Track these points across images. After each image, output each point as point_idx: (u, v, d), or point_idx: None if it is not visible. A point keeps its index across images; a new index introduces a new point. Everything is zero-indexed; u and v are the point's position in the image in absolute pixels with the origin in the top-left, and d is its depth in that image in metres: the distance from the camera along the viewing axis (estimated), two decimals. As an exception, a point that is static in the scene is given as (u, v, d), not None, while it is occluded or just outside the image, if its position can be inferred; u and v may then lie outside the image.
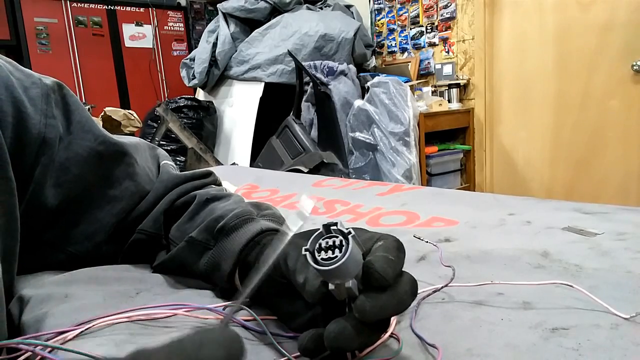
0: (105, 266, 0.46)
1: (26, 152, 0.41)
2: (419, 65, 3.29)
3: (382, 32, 3.56)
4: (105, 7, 3.98)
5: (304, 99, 2.90)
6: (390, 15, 3.47)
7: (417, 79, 3.23)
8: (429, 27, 3.22)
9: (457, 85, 3.01)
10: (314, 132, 2.85)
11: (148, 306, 0.35)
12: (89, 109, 2.74)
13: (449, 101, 3.01)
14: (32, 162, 0.41)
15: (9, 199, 0.37)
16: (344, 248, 0.26)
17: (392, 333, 0.33)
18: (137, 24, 4.17)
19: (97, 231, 0.46)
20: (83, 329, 0.32)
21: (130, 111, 2.74)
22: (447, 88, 3.03)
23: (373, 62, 3.60)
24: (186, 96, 3.35)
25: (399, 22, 3.42)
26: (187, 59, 3.54)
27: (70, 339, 0.31)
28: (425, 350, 0.31)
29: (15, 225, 0.38)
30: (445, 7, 3.08)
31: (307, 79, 2.86)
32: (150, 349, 0.17)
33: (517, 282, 0.39)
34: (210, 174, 0.54)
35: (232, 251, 0.41)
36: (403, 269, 0.29)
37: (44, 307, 0.35)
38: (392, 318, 0.34)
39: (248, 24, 3.38)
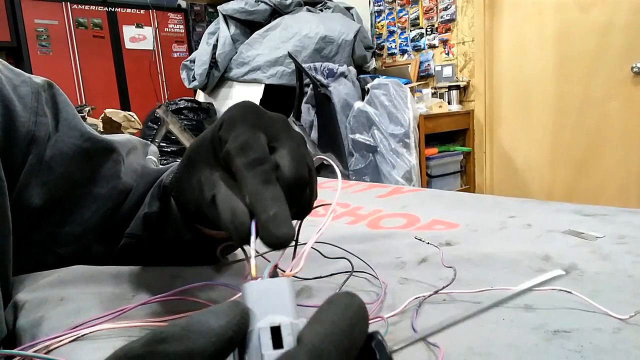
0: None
1: (15, 151, 0.39)
2: (419, 67, 3.29)
3: (382, 34, 3.56)
4: (105, 8, 3.98)
5: (304, 100, 2.90)
6: (390, 17, 3.48)
7: (417, 81, 3.23)
8: (429, 29, 3.22)
9: (457, 87, 3.01)
10: (314, 134, 2.85)
11: (144, 302, 0.35)
12: (89, 110, 2.74)
13: (449, 103, 3.01)
14: (21, 160, 0.40)
15: (1, 199, 0.36)
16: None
17: (377, 316, 0.33)
18: (138, 26, 4.17)
19: (85, 232, 0.45)
20: (80, 333, 0.31)
21: (130, 113, 2.75)
22: (447, 90, 3.04)
23: (373, 64, 3.61)
24: (186, 98, 3.36)
25: (399, 24, 3.42)
26: (187, 61, 3.54)
27: (66, 343, 0.31)
28: (428, 349, 0.31)
29: (7, 226, 0.37)
30: (445, 9, 3.08)
31: (307, 80, 2.86)
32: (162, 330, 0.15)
33: (517, 288, 0.39)
34: None
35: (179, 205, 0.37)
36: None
37: (40, 312, 0.35)
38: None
39: (248, 25, 3.39)
